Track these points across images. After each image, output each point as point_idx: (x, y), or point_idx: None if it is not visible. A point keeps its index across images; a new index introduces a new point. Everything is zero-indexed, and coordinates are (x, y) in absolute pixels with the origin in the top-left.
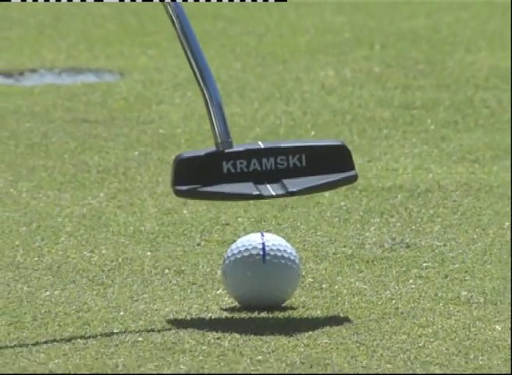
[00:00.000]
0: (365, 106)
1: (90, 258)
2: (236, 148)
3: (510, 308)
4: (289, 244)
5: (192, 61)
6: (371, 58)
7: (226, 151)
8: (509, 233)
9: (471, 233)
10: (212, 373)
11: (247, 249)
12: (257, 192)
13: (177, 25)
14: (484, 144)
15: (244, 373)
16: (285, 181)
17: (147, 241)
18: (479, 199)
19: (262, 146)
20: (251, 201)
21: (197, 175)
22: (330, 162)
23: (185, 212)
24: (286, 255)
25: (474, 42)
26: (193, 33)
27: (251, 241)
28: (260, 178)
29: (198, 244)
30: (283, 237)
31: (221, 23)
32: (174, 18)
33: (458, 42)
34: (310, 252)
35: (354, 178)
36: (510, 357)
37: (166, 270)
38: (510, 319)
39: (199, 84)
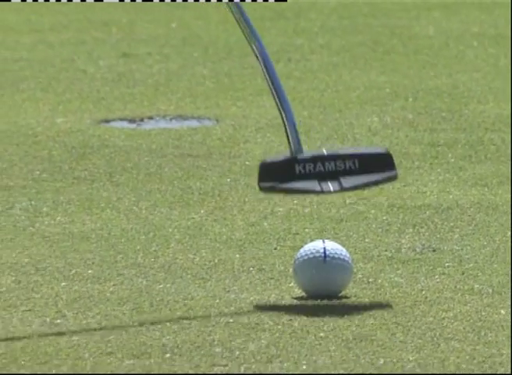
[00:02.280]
0: (401, 144)
1: (193, 259)
2: (306, 155)
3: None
4: (344, 249)
5: (275, 95)
6: (406, 108)
7: (298, 157)
8: (511, 240)
9: (482, 241)
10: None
11: (311, 252)
12: (319, 188)
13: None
14: (491, 173)
15: (309, 347)
16: (342, 179)
17: (236, 246)
18: (488, 214)
19: (325, 153)
20: (315, 216)
21: (277, 174)
22: (377, 165)
23: (265, 224)
24: (341, 257)
25: (484, 96)
26: (274, 71)
27: (315, 246)
28: (323, 177)
29: (275, 249)
30: (339, 243)
31: (292, 82)
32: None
33: (471, 96)
34: (359, 255)
35: (395, 177)
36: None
37: (251, 268)
38: (510, 306)
39: (279, 110)
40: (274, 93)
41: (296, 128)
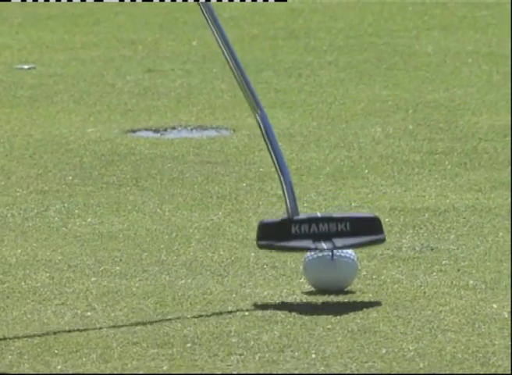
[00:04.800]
0: (402, 152)
1: (212, 257)
2: (301, 216)
3: (503, 292)
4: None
5: (272, 155)
6: (407, 119)
7: (294, 218)
8: (502, 240)
9: (476, 240)
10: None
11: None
12: (314, 246)
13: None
14: (484, 179)
15: (318, 338)
16: (334, 240)
17: (251, 245)
18: (481, 217)
19: (319, 216)
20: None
21: (274, 234)
22: (367, 228)
23: None
24: (347, 255)
25: (478, 109)
26: (273, 135)
27: None
28: (317, 238)
29: None
30: None
31: (303, 95)
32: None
33: (467, 108)
34: (364, 253)
35: (383, 240)
36: (503, 326)
37: (265, 265)
38: (507, 300)
39: (277, 172)
40: (273, 156)
41: (293, 190)
